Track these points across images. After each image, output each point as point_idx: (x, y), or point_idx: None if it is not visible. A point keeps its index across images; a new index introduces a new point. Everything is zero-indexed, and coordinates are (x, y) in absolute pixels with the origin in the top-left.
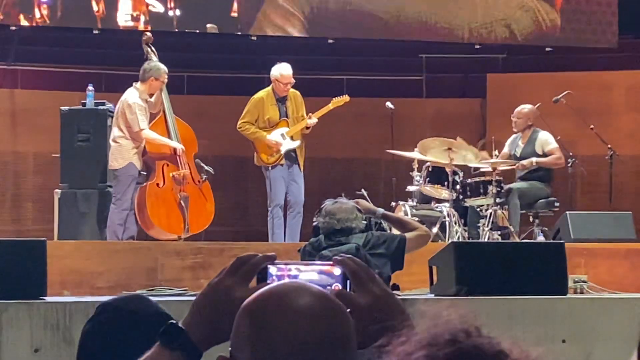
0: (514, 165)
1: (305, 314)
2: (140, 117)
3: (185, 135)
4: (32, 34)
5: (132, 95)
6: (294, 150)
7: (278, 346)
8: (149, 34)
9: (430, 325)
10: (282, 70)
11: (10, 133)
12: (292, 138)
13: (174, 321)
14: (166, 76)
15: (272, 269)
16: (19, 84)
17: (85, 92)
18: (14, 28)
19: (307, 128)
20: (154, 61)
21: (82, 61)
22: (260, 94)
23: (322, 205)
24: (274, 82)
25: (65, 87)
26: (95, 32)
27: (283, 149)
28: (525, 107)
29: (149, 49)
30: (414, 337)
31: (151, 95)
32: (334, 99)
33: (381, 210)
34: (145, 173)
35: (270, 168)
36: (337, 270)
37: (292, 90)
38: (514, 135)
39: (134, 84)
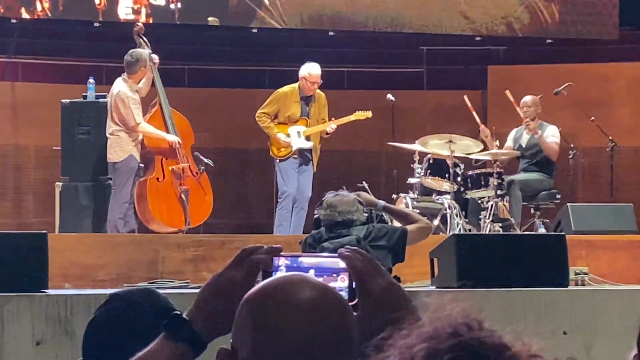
0: (515, 155)
1: (306, 307)
2: (135, 112)
3: (182, 127)
4: (33, 27)
5: (123, 89)
6: (309, 151)
7: (279, 339)
8: (140, 24)
9: (433, 319)
10: (310, 70)
11: (11, 126)
12: (307, 138)
13: (179, 312)
14: (149, 62)
15: (277, 261)
16: (19, 77)
17: (86, 85)
18: (14, 21)
19: (327, 134)
20: (136, 51)
21: (83, 54)
22: (286, 89)
23: (323, 198)
24: (301, 80)
25: (66, 80)
26: (96, 24)
27: (295, 147)
28: (530, 97)
29: (141, 40)
30: (416, 330)
31: (139, 82)
32: (357, 111)
33: (382, 203)
34: (143, 166)
35: (279, 161)
36: (342, 263)
37: (318, 91)
38: (515, 129)
39: (122, 75)
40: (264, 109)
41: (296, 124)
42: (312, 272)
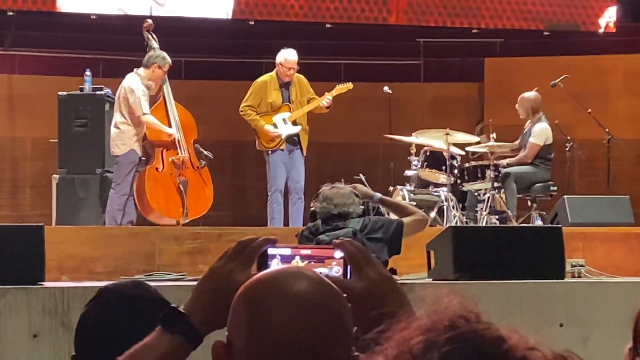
0: (513, 147)
1: (301, 300)
2: (143, 102)
3: (185, 121)
4: (30, 19)
5: (134, 81)
6: (296, 135)
7: (273, 332)
8: (149, 21)
9: (430, 312)
10: (286, 56)
11: (8, 119)
12: (294, 123)
13: (175, 305)
14: (169, 67)
15: (273, 252)
16: (16, 69)
17: (83, 77)
18: (11, 13)
19: (327, 108)
20: (159, 50)
21: (79, 46)
22: (264, 77)
23: (320, 190)
24: (278, 66)
25: (63, 73)
26: (93, 17)
27: (283, 134)
28: (527, 94)
29: (149, 36)
30: (413, 323)
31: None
32: (337, 85)
33: (378, 195)
34: (144, 158)
35: (270, 152)
36: (338, 254)
37: (296, 75)
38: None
39: (135, 69)
40: (247, 102)
41: (279, 111)
42: (297, 259)
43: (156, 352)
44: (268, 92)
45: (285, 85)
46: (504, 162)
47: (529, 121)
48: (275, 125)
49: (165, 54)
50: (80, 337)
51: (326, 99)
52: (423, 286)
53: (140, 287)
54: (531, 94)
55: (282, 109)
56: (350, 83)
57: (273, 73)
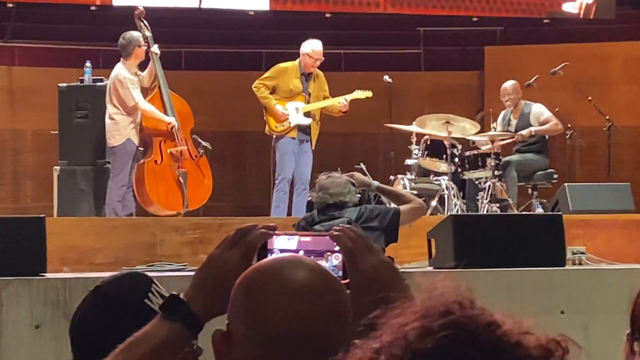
0: (513, 137)
1: (300, 289)
2: (133, 92)
3: (182, 110)
4: (30, 11)
5: (122, 71)
6: (308, 128)
7: (273, 320)
8: (141, 7)
9: (425, 298)
10: (314, 46)
11: (9, 110)
12: (306, 115)
13: (175, 293)
14: (144, 40)
15: (273, 240)
16: (16, 61)
17: (83, 68)
18: (11, 5)
19: (344, 112)
20: (127, 33)
21: (79, 38)
22: (286, 64)
23: (316, 180)
24: (303, 56)
25: (63, 64)
26: (93, 8)
27: (293, 122)
28: (510, 83)
29: (141, 23)
30: (408, 309)
31: (139, 64)
32: (357, 91)
33: (376, 183)
34: (142, 149)
35: (278, 138)
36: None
37: (316, 70)
38: (503, 112)
39: (122, 59)
40: (263, 80)
41: (294, 99)
42: (301, 252)
43: (156, 339)
44: (288, 79)
45: (306, 76)
46: (532, 129)
47: (511, 110)
48: (286, 109)
49: (134, 33)
50: (76, 338)
51: (342, 101)
52: (422, 274)
53: (134, 282)
54: (513, 81)
55: (298, 97)
56: (370, 91)
57: (296, 62)
